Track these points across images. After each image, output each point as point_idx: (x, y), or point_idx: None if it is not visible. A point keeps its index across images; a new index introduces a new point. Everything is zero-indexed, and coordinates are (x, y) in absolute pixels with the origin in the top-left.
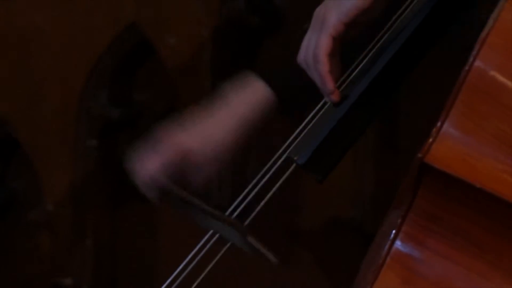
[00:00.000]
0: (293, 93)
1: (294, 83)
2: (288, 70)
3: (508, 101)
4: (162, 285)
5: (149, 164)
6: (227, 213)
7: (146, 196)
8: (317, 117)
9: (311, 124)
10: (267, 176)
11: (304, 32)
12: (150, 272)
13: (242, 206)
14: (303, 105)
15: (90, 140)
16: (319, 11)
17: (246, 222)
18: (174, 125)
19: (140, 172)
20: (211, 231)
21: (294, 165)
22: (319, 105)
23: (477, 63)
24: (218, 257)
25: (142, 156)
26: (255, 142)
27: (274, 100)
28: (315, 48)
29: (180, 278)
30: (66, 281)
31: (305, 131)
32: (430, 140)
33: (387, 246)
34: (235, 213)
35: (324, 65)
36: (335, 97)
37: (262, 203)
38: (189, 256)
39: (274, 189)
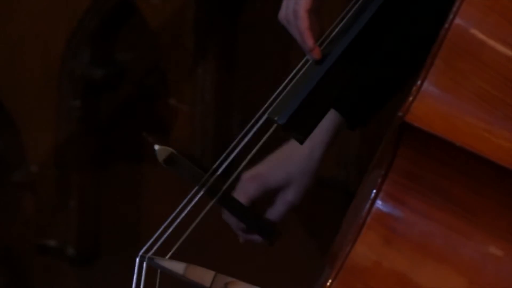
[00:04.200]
0: (361, 113)
1: (362, 106)
2: (356, 96)
3: (488, 58)
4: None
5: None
6: (210, 172)
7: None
8: (297, 76)
9: (291, 84)
10: (248, 136)
11: None
12: (134, 233)
13: (223, 166)
14: (371, 117)
15: (73, 100)
16: None
17: (229, 182)
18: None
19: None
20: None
21: (275, 125)
22: (299, 64)
23: (457, 20)
24: (200, 217)
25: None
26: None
27: (344, 121)
28: (295, 4)
29: (163, 238)
30: (50, 243)
31: (286, 90)
32: (411, 98)
33: (367, 206)
34: (218, 173)
35: (303, 21)
36: (315, 55)
37: (243, 164)
38: (172, 216)
39: (255, 149)
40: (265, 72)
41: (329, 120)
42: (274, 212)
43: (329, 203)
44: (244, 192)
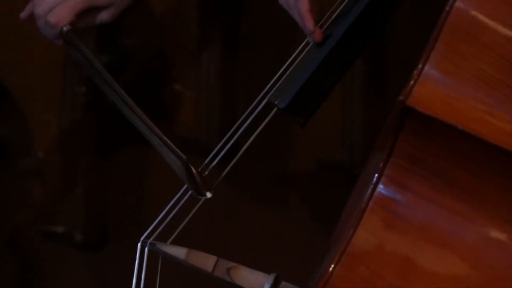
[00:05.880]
0: None
1: None
2: None
3: (488, 40)
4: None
5: (60, 16)
6: (212, 154)
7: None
8: (298, 59)
9: (292, 67)
10: (249, 120)
11: None
12: (140, 219)
13: (226, 148)
14: None
15: (78, 86)
16: None
17: (232, 164)
18: None
19: (51, 20)
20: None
21: (275, 109)
22: (299, 48)
23: (458, 3)
24: (200, 202)
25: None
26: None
27: None
28: None
29: (164, 223)
30: (57, 229)
31: (286, 74)
32: (412, 82)
33: (369, 190)
34: (220, 156)
35: (304, 4)
36: (316, 37)
37: (244, 147)
38: (172, 201)
39: (255, 133)
40: (270, 56)
41: None
42: (83, 21)
43: (333, 185)
44: (72, 5)
